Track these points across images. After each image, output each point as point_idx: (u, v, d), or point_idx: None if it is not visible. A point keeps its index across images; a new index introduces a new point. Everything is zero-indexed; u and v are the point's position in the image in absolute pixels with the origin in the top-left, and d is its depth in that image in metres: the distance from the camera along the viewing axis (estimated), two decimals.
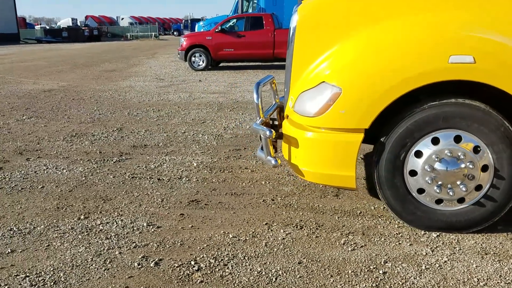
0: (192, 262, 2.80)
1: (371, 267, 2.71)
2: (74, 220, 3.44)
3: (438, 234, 3.09)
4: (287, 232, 3.18)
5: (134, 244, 3.06)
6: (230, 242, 3.06)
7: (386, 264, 2.74)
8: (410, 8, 3.04)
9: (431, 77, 2.85)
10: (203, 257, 2.87)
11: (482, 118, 2.89)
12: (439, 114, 2.93)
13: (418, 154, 3.01)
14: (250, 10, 19.57)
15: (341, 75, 3.05)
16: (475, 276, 2.59)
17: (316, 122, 3.12)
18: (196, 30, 21.64)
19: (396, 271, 2.66)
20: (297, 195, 3.87)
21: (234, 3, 19.42)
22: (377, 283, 2.54)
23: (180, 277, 2.65)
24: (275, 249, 2.95)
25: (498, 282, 2.52)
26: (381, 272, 2.65)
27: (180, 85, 11.29)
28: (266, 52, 14.34)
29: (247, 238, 3.11)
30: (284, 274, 2.66)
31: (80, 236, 3.17)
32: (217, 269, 2.72)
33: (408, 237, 3.08)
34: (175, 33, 62.24)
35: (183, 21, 69.25)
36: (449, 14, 2.96)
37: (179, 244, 3.06)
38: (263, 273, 2.67)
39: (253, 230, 3.23)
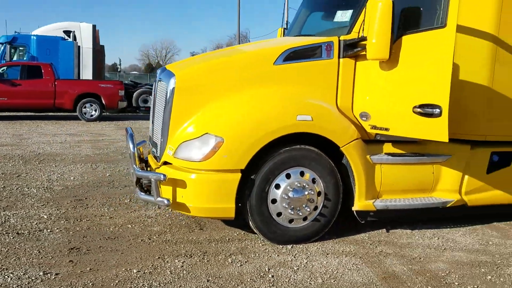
0: None
1: (261, 274, 3.54)
2: None
3: (291, 246, 4.13)
4: (182, 261, 3.73)
5: None
6: (138, 276, 3.44)
7: (270, 270, 3.62)
8: (270, 81, 4.14)
9: (285, 130, 3.96)
10: None
11: (315, 158, 4.13)
12: (290, 157, 4.04)
13: (277, 186, 4.04)
14: (15, 58, 18.27)
15: (222, 128, 3.89)
16: (329, 268, 3.70)
17: (201, 165, 3.85)
18: None
19: (279, 274, 3.56)
20: (169, 232, 4.40)
21: (0, 50, 17.82)
22: (271, 283, 3.39)
23: None
24: (181, 275, 3.49)
25: (344, 269, 3.69)
26: (270, 276, 3.51)
27: None
28: (46, 102, 13.76)
29: (151, 271, 3.54)
30: None
31: None
32: None
33: (273, 250, 4.02)
34: None
35: None
36: (296, 87, 4.18)
37: (90, 284, 3.27)
38: None
39: (151, 264, 3.66)
